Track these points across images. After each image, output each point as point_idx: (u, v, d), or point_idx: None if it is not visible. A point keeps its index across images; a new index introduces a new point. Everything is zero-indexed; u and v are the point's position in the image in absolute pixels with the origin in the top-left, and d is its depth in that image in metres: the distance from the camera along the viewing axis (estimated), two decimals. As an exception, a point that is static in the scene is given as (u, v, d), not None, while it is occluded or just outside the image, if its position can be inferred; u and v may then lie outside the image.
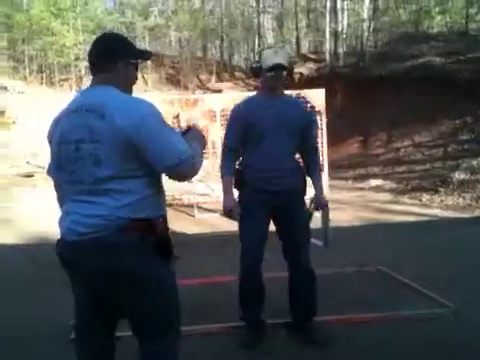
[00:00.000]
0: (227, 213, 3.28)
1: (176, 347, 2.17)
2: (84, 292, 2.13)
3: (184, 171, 2.02)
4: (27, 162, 14.18)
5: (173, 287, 2.16)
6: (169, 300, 2.13)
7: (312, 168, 3.47)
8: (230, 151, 3.40)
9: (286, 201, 3.27)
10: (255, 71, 3.31)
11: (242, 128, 3.22)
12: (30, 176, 12.79)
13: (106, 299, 2.10)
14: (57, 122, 2.13)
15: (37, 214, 8.46)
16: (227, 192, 3.33)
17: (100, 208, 1.98)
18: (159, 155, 1.95)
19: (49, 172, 2.26)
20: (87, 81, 27.94)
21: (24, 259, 5.90)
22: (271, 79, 3.25)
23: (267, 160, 3.24)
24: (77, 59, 28.74)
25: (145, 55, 2.31)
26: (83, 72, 28.88)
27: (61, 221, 2.12)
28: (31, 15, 28.06)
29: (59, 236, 2.12)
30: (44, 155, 13.76)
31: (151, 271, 2.05)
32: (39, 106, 17.82)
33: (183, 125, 11.74)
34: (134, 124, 1.93)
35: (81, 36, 28.84)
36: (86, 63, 29.27)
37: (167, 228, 2.15)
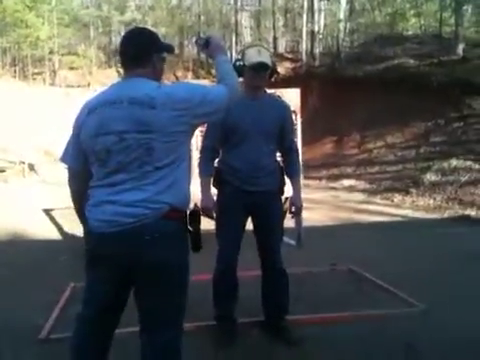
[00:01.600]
0: (205, 212, 3.28)
1: (181, 340, 2.19)
2: (109, 281, 2.14)
3: (233, 98, 2.21)
4: (-2, 157, 13.91)
5: (188, 278, 2.21)
6: (185, 292, 2.20)
7: (291, 169, 3.49)
8: (209, 150, 3.39)
9: (263, 201, 3.29)
10: (238, 70, 3.29)
11: (222, 127, 3.20)
12: (1, 171, 12.54)
13: (131, 287, 2.15)
14: (89, 113, 2.13)
15: (7, 210, 8.30)
16: (205, 191, 3.33)
17: (144, 196, 2.02)
18: (215, 114, 2.18)
19: (64, 160, 2.28)
20: (61, 75, 27.57)
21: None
22: (255, 78, 3.24)
23: (246, 161, 3.24)
24: (51, 52, 28.28)
25: (171, 49, 2.38)
26: (57, 66, 28.43)
27: (94, 212, 2.11)
28: (5, 7, 27.44)
29: (92, 229, 2.11)
30: (16, 150, 13.56)
31: (184, 262, 2.16)
32: (11, 100, 17.49)
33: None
34: (188, 107, 2.06)
35: (56, 29, 28.35)
36: (60, 57, 28.90)
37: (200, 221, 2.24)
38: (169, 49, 2.35)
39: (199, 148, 3.59)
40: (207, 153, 3.40)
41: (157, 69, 2.23)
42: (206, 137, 3.42)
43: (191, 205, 2.25)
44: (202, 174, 3.38)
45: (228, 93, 2.15)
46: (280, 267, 3.41)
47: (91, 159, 2.14)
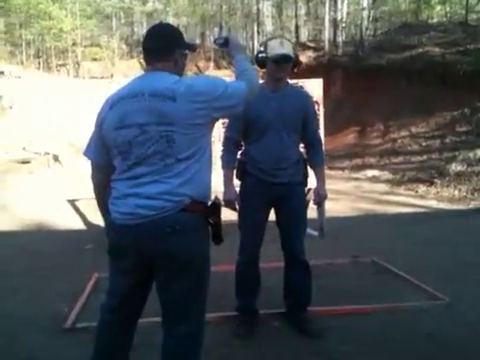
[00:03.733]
0: (228, 204, 3.28)
1: (203, 332, 2.22)
2: (130, 272, 2.17)
3: (253, 93, 2.23)
4: (23, 148, 14.13)
5: (209, 270, 2.24)
6: (207, 284, 2.22)
7: (315, 160, 3.48)
8: (232, 142, 3.39)
9: (286, 192, 3.29)
10: (261, 61, 3.27)
11: (245, 120, 3.19)
12: (26, 162, 12.75)
13: (153, 279, 2.18)
14: (111, 107, 2.16)
15: (33, 201, 8.45)
16: (228, 183, 3.34)
17: (165, 188, 2.05)
18: (234, 108, 2.20)
19: (87, 154, 2.31)
20: (84, 66, 27.83)
21: (18, 246, 5.89)
22: (277, 70, 3.23)
23: (269, 153, 3.23)
24: (74, 44, 28.56)
25: (193, 47, 2.45)
26: (80, 57, 28.70)
27: (117, 204, 2.14)
28: (28, -1, 27.81)
29: (114, 220, 2.13)
30: (40, 141, 13.76)
31: (205, 254, 2.19)
32: (36, 91, 17.72)
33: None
34: (208, 100, 2.08)
35: (79, 21, 28.59)
36: (83, 48, 29.17)
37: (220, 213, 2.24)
38: (191, 47, 2.39)
39: (221, 140, 3.59)
40: (230, 145, 3.40)
41: (179, 64, 2.25)
42: (229, 129, 3.42)
43: (212, 197, 2.26)
44: (225, 166, 3.38)
45: (247, 88, 2.18)
46: (303, 259, 3.40)
47: (113, 152, 2.16)
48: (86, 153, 2.32)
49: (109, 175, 2.21)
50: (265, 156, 3.24)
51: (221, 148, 3.46)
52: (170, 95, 2.05)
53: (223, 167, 3.38)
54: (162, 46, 2.21)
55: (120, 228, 2.12)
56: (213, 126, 2.24)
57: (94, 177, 2.33)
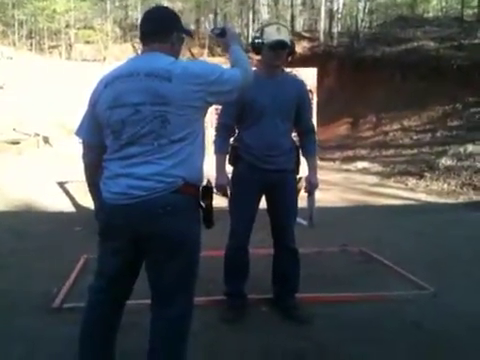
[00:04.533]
0: (219, 189, 3.27)
1: (191, 315, 2.23)
2: (120, 253, 2.17)
3: (247, 82, 2.24)
4: (13, 129, 14.00)
5: (199, 253, 2.24)
6: (196, 267, 2.23)
7: (308, 149, 3.47)
8: (225, 128, 3.37)
9: (278, 180, 3.29)
10: (257, 47, 3.23)
11: (239, 105, 3.16)
12: (16, 143, 12.65)
13: (143, 260, 2.18)
14: (105, 86, 2.15)
15: (22, 181, 8.40)
16: (220, 169, 3.32)
17: (158, 169, 2.05)
18: (228, 94, 2.20)
19: (79, 134, 2.30)
20: (77, 48, 27.57)
21: (7, 227, 5.86)
22: (273, 57, 3.21)
23: (263, 139, 3.22)
24: (67, 26, 28.27)
25: (190, 32, 2.46)
26: (73, 40, 28.42)
27: (109, 184, 2.13)
28: (22, -22, 27.43)
29: (105, 200, 2.13)
30: (31, 122, 13.65)
31: (196, 236, 2.19)
32: (28, 73, 17.54)
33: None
34: (203, 83, 2.08)
35: (72, 2, 28.26)
36: (76, 30, 28.87)
37: (212, 197, 2.26)
38: (188, 32, 2.40)
39: (214, 126, 3.57)
40: (223, 131, 3.38)
41: (175, 47, 2.26)
42: (222, 115, 3.39)
43: (204, 181, 2.26)
44: (217, 151, 3.36)
45: (242, 76, 2.19)
46: (293, 247, 3.42)
47: (106, 132, 2.15)
48: (78, 133, 2.30)
49: (101, 155, 2.20)
50: (259, 142, 3.23)
51: (214, 134, 3.44)
52: (166, 75, 2.04)
53: (216, 152, 3.36)
54: (160, 27, 2.21)
55: (111, 208, 2.11)
56: (206, 111, 2.23)
57: (85, 157, 2.32)
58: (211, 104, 2.26)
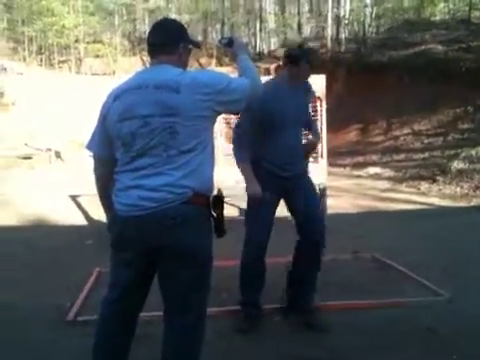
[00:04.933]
0: (254, 199, 3.23)
1: (204, 325, 2.23)
2: (132, 264, 2.17)
3: (255, 91, 2.25)
4: (25, 144, 14.14)
5: (212, 262, 2.24)
6: (209, 277, 2.22)
7: (313, 134, 3.68)
8: (247, 135, 3.30)
9: (296, 182, 3.34)
10: (295, 59, 3.25)
11: (261, 113, 3.16)
12: (28, 158, 12.76)
13: (155, 271, 2.19)
14: (114, 100, 2.18)
15: (35, 196, 8.46)
16: (250, 178, 3.25)
17: (168, 180, 2.05)
18: (236, 104, 2.21)
19: (90, 147, 2.32)
20: (86, 63, 27.82)
21: (20, 241, 5.91)
22: (307, 71, 3.30)
23: (285, 148, 3.26)
24: (77, 41, 28.56)
25: (198, 44, 2.51)
26: (82, 54, 28.69)
27: (120, 196, 2.15)
28: (31, -5, 27.80)
29: (117, 212, 2.14)
30: (42, 137, 13.76)
31: (207, 246, 2.18)
32: (38, 88, 17.72)
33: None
34: (211, 92, 2.10)
35: (81, 17, 28.58)
36: (85, 45, 29.16)
37: (223, 206, 2.26)
38: (196, 44, 2.44)
39: (223, 135, 3.60)
40: (241, 141, 3.32)
41: (182, 58, 2.28)
42: (244, 121, 3.32)
43: (215, 191, 2.26)
44: (241, 162, 3.30)
45: (250, 85, 2.20)
46: (322, 241, 3.36)
47: (116, 144, 2.17)
48: (89, 146, 2.33)
49: (112, 168, 2.22)
50: (281, 151, 3.25)
51: (231, 145, 3.41)
52: (174, 86, 2.06)
53: (240, 163, 3.30)
54: (167, 40, 2.23)
55: (123, 220, 2.13)
56: (215, 120, 2.23)
57: (97, 170, 2.34)
58: (219, 113, 2.25)
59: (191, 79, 2.11)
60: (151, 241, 2.09)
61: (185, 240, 2.07)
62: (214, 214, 2.21)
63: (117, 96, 2.18)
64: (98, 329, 2.31)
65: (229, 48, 2.45)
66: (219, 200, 2.24)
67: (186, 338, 2.16)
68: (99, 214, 6.99)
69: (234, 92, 2.16)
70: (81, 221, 7.18)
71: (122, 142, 2.13)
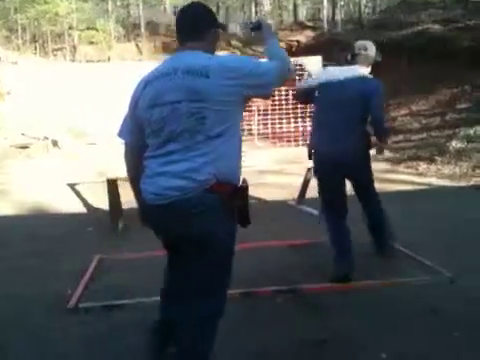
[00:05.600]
0: None
1: (222, 312, 2.25)
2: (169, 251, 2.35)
3: (284, 74, 2.26)
4: (22, 133, 14.07)
5: (233, 251, 2.24)
6: (229, 265, 2.24)
7: None
8: None
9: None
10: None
11: None
12: (25, 147, 12.71)
13: (179, 256, 2.25)
14: (145, 86, 2.21)
15: (32, 185, 8.44)
16: None
17: (192, 166, 2.07)
18: (265, 88, 2.21)
19: (120, 134, 2.38)
20: (81, 50, 27.61)
21: (19, 230, 5.90)
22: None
23: None
24: (71, 28, 28.30)
25: (224, 27, 2.50)
26: (76, 41, 28.46)
27: (146, 184, 2.19)
28: (23, -17, 27.47)
29: (144, 200, 2.20)
30: (39, 126, 13.70)
31: (228, 234, 2.18)
32: (33, 77, 17.58)
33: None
34: (239, 76, 2.10)
35: (74, 4, 28.29)
36: (79, 32, 28.90)
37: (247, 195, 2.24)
38: (222, 27, 2.45)
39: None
40: None
41: (212, 43, 2.30)
42: None
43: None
44: None
45: (279, 69, 2.20)
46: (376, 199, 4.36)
47: (147, 131, 2.20)
48: (120, 134, 2.38)
49: (141, 155, 2.25)
50: None
51: None
52: (203, 72, 2.07)
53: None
54: (196, 26, 2.25)
55: (148, 208, 2.20)
56: (243, 105, 2.23)
57: (127, 157, 2.39)
58: (249, 97, 2.27)
59: (219, 63, 2.11)
60: (171, 230, 2.15)
61: (206, 228, 2.08)
62: (238, 203, 2.18)
63: (147, 83, 2.21)
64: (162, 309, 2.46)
65: (257, 31, 2.44)
66: (244, 190, 2.21)
67: (203, 326, 2.18)
68: (98, 201, 7.00)
69: (263, 76, 2.15)
70: (80, 209, 7.15)
71: (152, 128, 2.16)
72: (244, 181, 2.24)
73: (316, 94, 3.92)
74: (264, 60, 2.30)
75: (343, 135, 3.74)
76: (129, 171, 2.40)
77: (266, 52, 2.34)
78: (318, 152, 3.91)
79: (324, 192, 4.01)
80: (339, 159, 3.73)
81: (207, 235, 2.09)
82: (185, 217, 2.08)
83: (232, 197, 2.14)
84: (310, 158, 4.04)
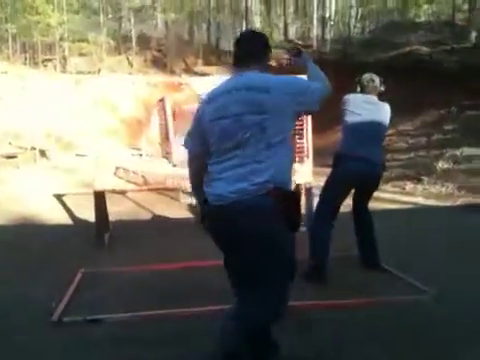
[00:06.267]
0: None
1: (281, 313, 2.46)
2: (222, 249, 2.50)
3: (327, 95, 2.60)
4: (9, 143, 13.96)
5: (288, 244, 2.42)
6: (286, 264, 2.42)
7: None
8: None
9: None
10: None
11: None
12: (13, 157, 12.60)
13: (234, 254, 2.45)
14: (208, 103, 2.53)
15: (20, 195, 8.37)
16: None
17: (253, 171, 2.32)
18: (312, 105, 2.55)
19: (186, 145, 2.67)
20: (71, 61, 27.57)
21: (4, 241, 5.83)
22: None
23: None
24: (62, 39, 28.26)
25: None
26: (67, 52, 28.44)
27: (210, 186, 2.44)
28: (14, -7, 27.43)
29: (210, 202, 2.41)
30: (27, 136, 13.60)
31: (283, 236, 2.38)
32: (23, 86, 17.51)
33: (168, 109, 11.62)
34: (294, 93, 2.43)
35: (66, 15, 28.29)
36: (70, 43, 28.90)
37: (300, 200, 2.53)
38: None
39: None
40: None
41: (267, 65, 2.64)
42: None
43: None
44: None
45: (322, 89, 2.56)
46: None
47: (211, 140, 2.47)
48: (185, 144, 2.67)
49: (204, 162, 2.54)
50: None
51: None
52: (264, 88, 2.39)
53: None
54: (255, 51, 2.59)
55: (211, 209, 2.42)
56: (295, 119, 2.63)
57: (191, 164, 2.67)
58: (298, 113, 2.69)
59: (279, 81, 2.44)
60: (229, 229, 2.36)
61: (262, 230, 2.30)
62: (290, 208, 2.38)
63: (210, 99, 2.53)
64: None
65: (298, 57, 2.90)
66: (296, 195, 2.48)
67: (263, 318, 2.42)
68: (84, 213, 6.96)
69: (312, 94, 2.51)
70: (66, 220, 7.11)
71: (216, 138, 2.44)
72: (297, 187, 2.42)
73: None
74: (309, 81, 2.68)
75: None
76: (192, 177, 2.67)
77: (309, 74, 2.74)
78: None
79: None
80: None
81: (262, 236, 2.31)
82: (241, 218, 2.30)
83: (286, 202, 2.35)
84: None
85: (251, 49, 2.59)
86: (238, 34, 2.97)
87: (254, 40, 2.65)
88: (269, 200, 2.29)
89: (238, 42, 2.68)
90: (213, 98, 2.53)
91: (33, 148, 13.02)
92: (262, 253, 2.32)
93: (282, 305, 2.46)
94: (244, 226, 2.31)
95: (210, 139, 2.48)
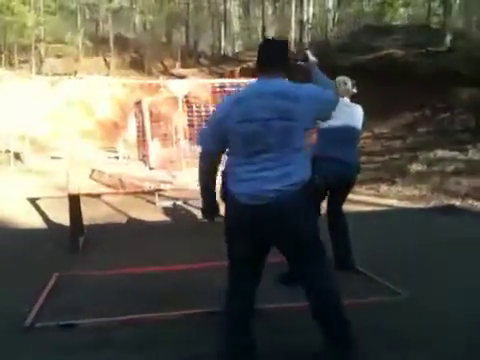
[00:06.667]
0: None
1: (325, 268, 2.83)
2: (248, 242, 2.63)
3: (336, 102, 2.83)
4: (-17, 145, 13.74)
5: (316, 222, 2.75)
6: (316, 229, 2.72)
7: None
8: None
9: None
10: None
11: None
12: (-13, 159, 12.41)
13: (266, 248, 2.72)
14: (235, 105, 2.64)
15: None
16: None
17: (284, 173, 2.52)
18: (328, 112, 2.82)
19: (201, 143, 2.79)
20: (47, 63, 27.23)
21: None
22: None
23: None
24: (38, 40, 27.91)
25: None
26: (43, 54, 28.09)
27: (241, 186, 2.58)
28: (-11, -7, 26.99)
29: (238, 199, 2.57)
30: (1, 139, 13.35)
31: (314, 229, 2.69)
32: (-2, 88, 17.24)
33: (145, 111, 11.55)
34: (318, 102, 2.65)
35: (42, 17, 27.95)
36: (46, 45, 28.55)
37: None
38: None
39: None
40: None
41: (287, 71, 2.76)
42: None
43: None
44: None
45: (334, 97, 2.80)
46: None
47: (235, 141, 2.62)
48: (200, 142, 2.80)
49: (217, 162, 2.75)
50: None
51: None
52: (292, 96, 2.56)
53: None
54: (279, 59, 2.73)
55: (242, 207, 2.55)
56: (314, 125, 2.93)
57: (204, 162, 2.76)
58: (316, 119, 2.88)
59: (304, 90, 2.62)
60: (266, 228, 2.53)
61: (300, 227, 2.54)
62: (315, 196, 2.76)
63: (238, 101, 2.66)
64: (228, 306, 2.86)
65: (306, 62, 2.99)
66: (316, 187, 2.72)
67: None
68: (58, 217, 6.89)
69: (329, 102, 2.75)
70: (40, 224, 7.03)
71: (243, 140, 2.58)
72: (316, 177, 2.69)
73: None
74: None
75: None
76: (204, 174, 2.77)
77: (316, 80, 2.84)
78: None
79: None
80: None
81: (301, 233, 2.55)
82: (278, 217, 2.49)
83: (313, 194, 2.63)
84: None
85: (275, 57, 2.72)
86: (261, 41, 3.39)
87: (278, 49, 2.80)
88: (302, 197, 2.52)
89: (262, 48, 2.80)
90: (240, 100, 2.66)
91: (8, 151, 12.84)
92: (309, 250, 2.60)
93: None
94: (284, 224, 2.52)
95: (235, 139, 2.62)
